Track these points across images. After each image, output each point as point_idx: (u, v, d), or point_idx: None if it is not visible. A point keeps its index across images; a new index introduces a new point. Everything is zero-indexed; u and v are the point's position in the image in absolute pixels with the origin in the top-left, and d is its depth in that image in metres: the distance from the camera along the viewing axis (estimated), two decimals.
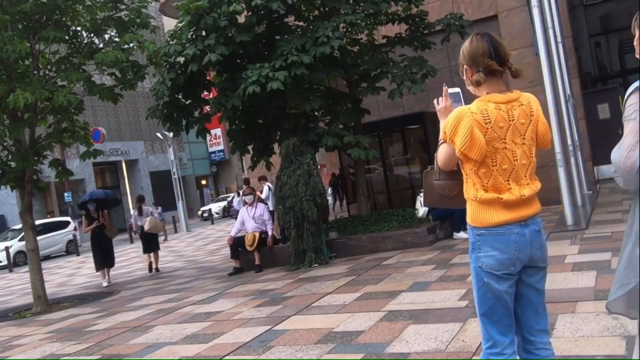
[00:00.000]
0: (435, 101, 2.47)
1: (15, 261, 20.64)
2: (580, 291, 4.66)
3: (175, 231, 26.18)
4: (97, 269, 11.04)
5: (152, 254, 11.59)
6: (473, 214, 2.31)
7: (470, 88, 2.34)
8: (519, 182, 2.26)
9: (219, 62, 8.98)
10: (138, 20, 9.56)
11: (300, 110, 10.07)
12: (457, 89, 2.44)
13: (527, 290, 2.34)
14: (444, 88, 2.46)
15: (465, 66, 2.33)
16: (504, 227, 2.24)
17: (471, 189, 2.30)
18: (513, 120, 2.24)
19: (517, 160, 2.25)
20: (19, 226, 17.59)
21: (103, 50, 8.92)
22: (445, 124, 2.28)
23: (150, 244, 11.56)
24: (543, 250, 2.32)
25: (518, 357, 2.38)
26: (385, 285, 6.29)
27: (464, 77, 2.35)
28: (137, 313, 7.17)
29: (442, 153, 2.36)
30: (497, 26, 12.26)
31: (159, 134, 27.20)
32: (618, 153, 2.08)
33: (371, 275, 7.03)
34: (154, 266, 11.59)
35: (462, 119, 2.21)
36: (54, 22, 8.87)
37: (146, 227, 11.16)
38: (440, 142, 2.36)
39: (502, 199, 2.23)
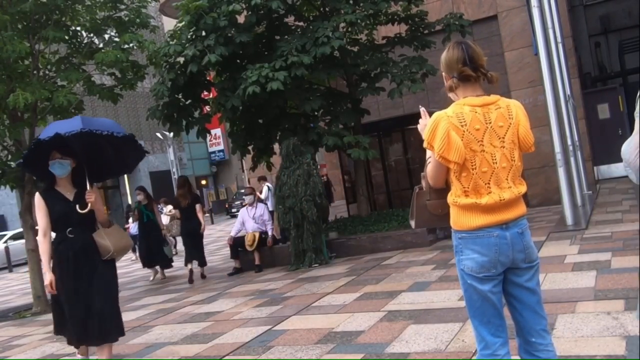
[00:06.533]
0: (418, 126, 2.52)
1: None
2: (580, 291, 4.65)
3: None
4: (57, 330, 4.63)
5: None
6: (454, 218, 2.35)
7: (451, 95, 2.39)
8: (500, 185, 2.28)
9: (218, 62, 8.98)
10: (138, 20, 9.56)
11: (300, 110, 10.08)
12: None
13: (518, 291, 2.35)
14: (421, 110, 2.51)
15: (444, 74, 2.40)
16: (483, 230, 2.27)
17: (452, 195, 2.34)
18: (490, 122, 2.27)
19: (496, 163, 2.27)
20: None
21: (103, 50, 8.92)
22: (425, 131, 2.34)
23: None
24: (527, 252, 2.31)
25: (513, 357, 2.38)
26: (385, 285, 6.29)
27: (445, 86, 2.41)
28: (137, 313, 7.17)
29: (429, 170, 2.40)
30: (497, 26, 12.26)
31: (159, 134, 27.26)
32: (628, 150, 2.07)
33: (371, 275, 7.03)
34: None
35: (439, 123, 2.27)
36: (54, 22, 8.87)
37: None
38: (427, 161, 2.40)
39: (481, 203, 2.25)
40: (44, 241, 4.14)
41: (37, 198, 4.16)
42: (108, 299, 4.21)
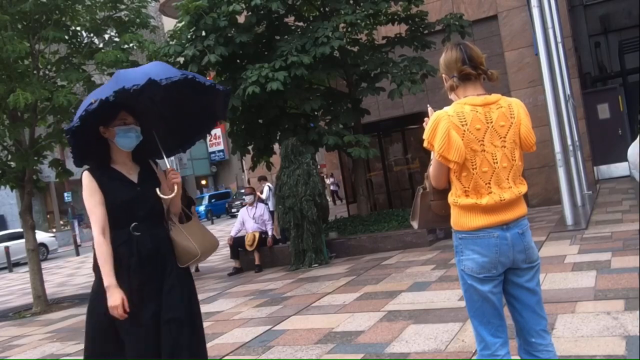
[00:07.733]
0: (424, 123, 2.49)
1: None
2: (580, 291, 4.66)
3: None
4: None
5: None
6: (454, 218, 2.35)
7: (452, 96, 2.37)
8: (500, 185, 2.27)
9: (218, 62, 8.99)
10: (138, 20, 9.56)
11: (300, 110, 10.08)
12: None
13: (518, 291, 2.34)
14: (429, 109, 2.49)
15: (444, 75, 2.38)
16: (484, 230, 2.26)
17: (452, 195, 2.34)
18: (491, 122, 2.26)
19: (497, 163, 2.26)
20: None
21: (103, 50, 8.92)
22: (425, 130, 2.32)
23: None
24: (527, 252, 2.31)
25: (512, 358, 2.38)
26: (385, 285, 6.29)
27: (446, 87, 2.40)
28: None
29: (432, 171, 2.39)
30: (497, 26, 12.27)
31: None
32: (634, 153, 2.07)
33: (371, 275, 7.03)
34: None
35: (439, 122, 2.25)
36: (54, 22, 8.86)
37: None
38: (431, 162, 2.39)
39: (481, 204, 2.25)
40: (104, 242, 2.66)
41: (87, 178, 2.80)
42: (193, 328, 3.05)
